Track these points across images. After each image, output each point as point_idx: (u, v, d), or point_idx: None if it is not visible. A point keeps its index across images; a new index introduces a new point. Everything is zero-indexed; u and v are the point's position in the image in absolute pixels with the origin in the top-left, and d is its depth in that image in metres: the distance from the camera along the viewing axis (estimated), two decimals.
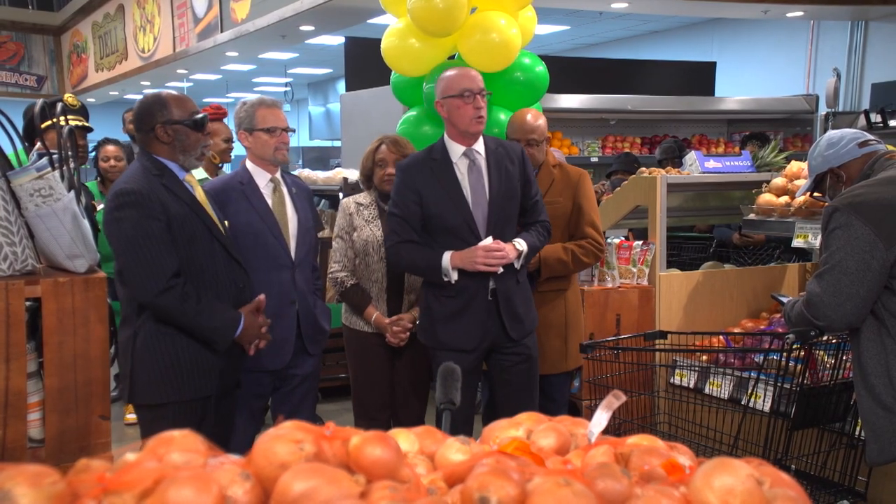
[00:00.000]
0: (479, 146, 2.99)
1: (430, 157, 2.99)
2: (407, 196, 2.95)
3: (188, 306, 2.51)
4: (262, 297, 2.74)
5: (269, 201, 3.05)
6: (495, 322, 2.97)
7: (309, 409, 3.26)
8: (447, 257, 2.88)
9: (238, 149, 3.75)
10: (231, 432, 2.86)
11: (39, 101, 2.80)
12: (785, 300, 2.91)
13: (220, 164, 4.44)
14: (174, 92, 2.66)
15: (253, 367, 2.91)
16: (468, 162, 2.96)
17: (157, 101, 2.59)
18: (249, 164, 3.09)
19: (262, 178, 3.06)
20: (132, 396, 2.63)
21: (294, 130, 3.15)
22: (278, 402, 3.20)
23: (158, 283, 2.48)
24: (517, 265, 2.96)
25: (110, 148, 4.98)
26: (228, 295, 2.66)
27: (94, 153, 5.06)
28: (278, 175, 3.11)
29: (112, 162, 4.93)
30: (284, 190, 3.10)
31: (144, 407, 2.65)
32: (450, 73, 2.97)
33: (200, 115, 2.59)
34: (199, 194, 2.67)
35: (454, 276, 2.89)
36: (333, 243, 3.44)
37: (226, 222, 2.79)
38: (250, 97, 3.19)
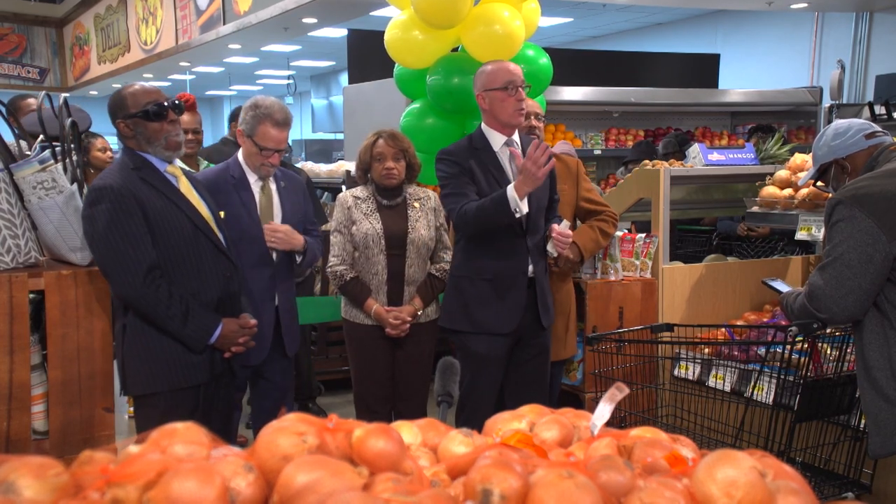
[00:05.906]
0: (516, 137, 3.08)
1: (471, 146, 3.05)
2: (459, 176, 2.99)
3: (160, 310, 2.49)
4: (251, 320, 2.72)
5: (258, 197, 3.06)
6: (531, 308, 3.04)
7: (287, 405, 3.28)
8: (510, 189, 2.81)
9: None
10: (231, 425, 2.86)
11: (41, 94, 2.79)
12: (778, 286, 2.90)
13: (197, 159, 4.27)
14: (138, 86, 2.60)
15: (232, 360, 2.90)
16: (510, 151, 3.03)
17: (116, 98, 2.58)
18: (241, 160, 3.10)
19: (252, 174, 3.08)
20: (125, 388, 2.63)
21: (291, 150, 3.11)
22: (258, 399, 3.20)
23: (132, 279, 2.46)
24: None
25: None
26: (214, 285, 2.63)
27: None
28: None
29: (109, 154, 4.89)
30: (273, 186, 3.12)
31: (137, 398, 2.66)
32: (490, 66, 3.03)
33: (154, 106, 2.53)
34: (184, 185, 2.64)
35: (524, 207, 2.82)
36: (332, 237, 3.42)
37: (221, 213, 2.76)
38: (254, 90, 3.18)
